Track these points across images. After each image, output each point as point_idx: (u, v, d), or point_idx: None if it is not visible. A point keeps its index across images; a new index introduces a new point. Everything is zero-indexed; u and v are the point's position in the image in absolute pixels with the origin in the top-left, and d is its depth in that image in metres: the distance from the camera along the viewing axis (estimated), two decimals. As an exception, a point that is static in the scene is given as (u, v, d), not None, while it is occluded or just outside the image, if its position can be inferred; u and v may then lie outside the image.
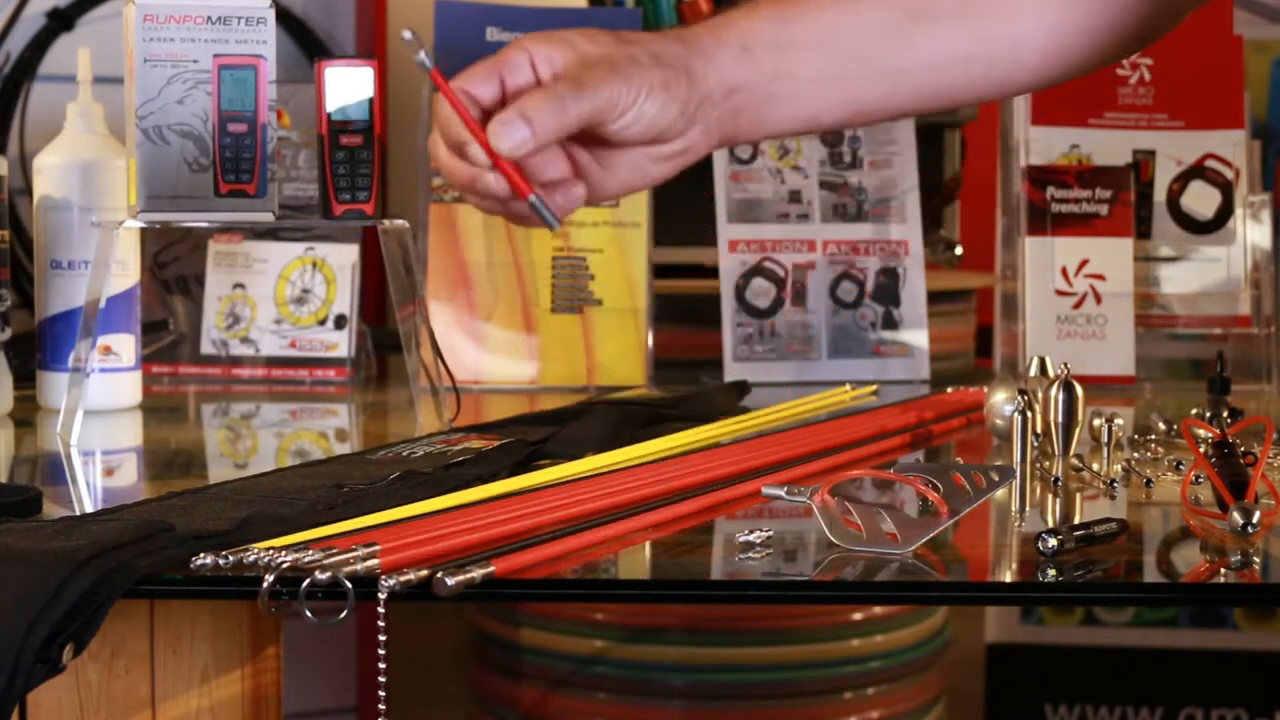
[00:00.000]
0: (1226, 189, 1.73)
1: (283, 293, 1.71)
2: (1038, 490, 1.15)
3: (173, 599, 0.97)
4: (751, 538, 0.95)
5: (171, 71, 1.34)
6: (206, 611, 1.01)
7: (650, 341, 1.67)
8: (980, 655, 2.16)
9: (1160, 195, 1.73)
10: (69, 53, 1.71)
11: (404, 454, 1.17)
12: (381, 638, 0.84)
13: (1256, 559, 0.94)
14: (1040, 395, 1.25)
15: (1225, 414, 1.40)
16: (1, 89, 1.83)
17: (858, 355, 1.71)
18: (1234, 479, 0.98)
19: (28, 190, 1.68)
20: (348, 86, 1.36)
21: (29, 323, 1.54)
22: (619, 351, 1.67)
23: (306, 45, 1.95)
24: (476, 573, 0.84)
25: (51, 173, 1.47)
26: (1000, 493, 1.07)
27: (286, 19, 1.93)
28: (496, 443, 1.19)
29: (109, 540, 0.85)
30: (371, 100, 1.36)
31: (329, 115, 1.36)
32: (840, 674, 1.81)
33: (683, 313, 1.75)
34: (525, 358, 1.66)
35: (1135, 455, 1.25)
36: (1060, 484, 1.15)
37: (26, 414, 1.45)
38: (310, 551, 0.86)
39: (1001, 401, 1.26)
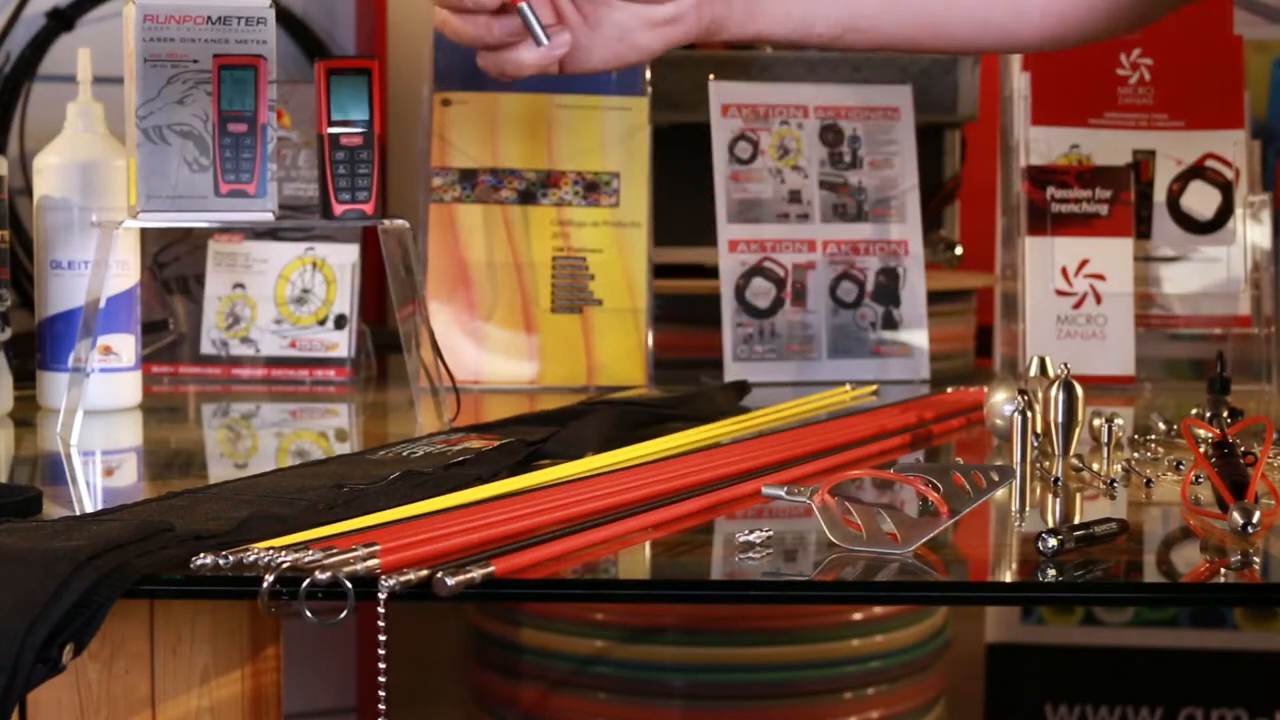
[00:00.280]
0: (1226, 189, 1.73)
1: (283, 293, 1.71)
2: (1038, 490, 1.15)
3: (173, 599, 0.97)
4: (751, 538, 0.95)
5: (171, 71, 1.34)
6: (206, 611, 1.01)
7: (650, 341, 1.67)
8: (980, 655, 2.16)
9: (1160, 195, 1.73)
10: (69, 53, 1.71)
11: (404, 454, 1.17)
12: (381, 638, 0.84)
13: (1256, 559, 0.94)
14: (1040, 395, 1.25)
15: (1225, 414, 1.40)
16: (1, 89, 1.83)
17: (858, 355, 1.71)
18: (1234, 479, 0.98)
19: (28, 190, 1.68)
20: (348, 86, 1.36)
21: (29, 323, 1.54)
22: (619, 351, 1.67)
23: (306, 45, 1.95)
24: (476, 573, 0.84)
25: (51, 173, 1.47)
26: (1000, 493, 1.07)
27: (286, 19, 1.93)
28: (496, 443, 1.19)
29: (109, 540, 0.85)
30: (371, 100, 1.36)
31: (329, 115, 1.36)
32: (840, 674, 1.81)
33: (683, 313, 1.75)
34: (525, 358, 1.66)
35: (1135, 455, 1.25)
36: (1060, 484, 1.15)
37: (26, 414, 1.45)
38: (310, 551, 0.86)
39: (1001, 401, 1.26)
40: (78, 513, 1.02)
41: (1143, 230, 1.73)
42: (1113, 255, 1.68)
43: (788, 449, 1.21)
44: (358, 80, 1.36)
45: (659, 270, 1.71)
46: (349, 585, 0.83)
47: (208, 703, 1.01)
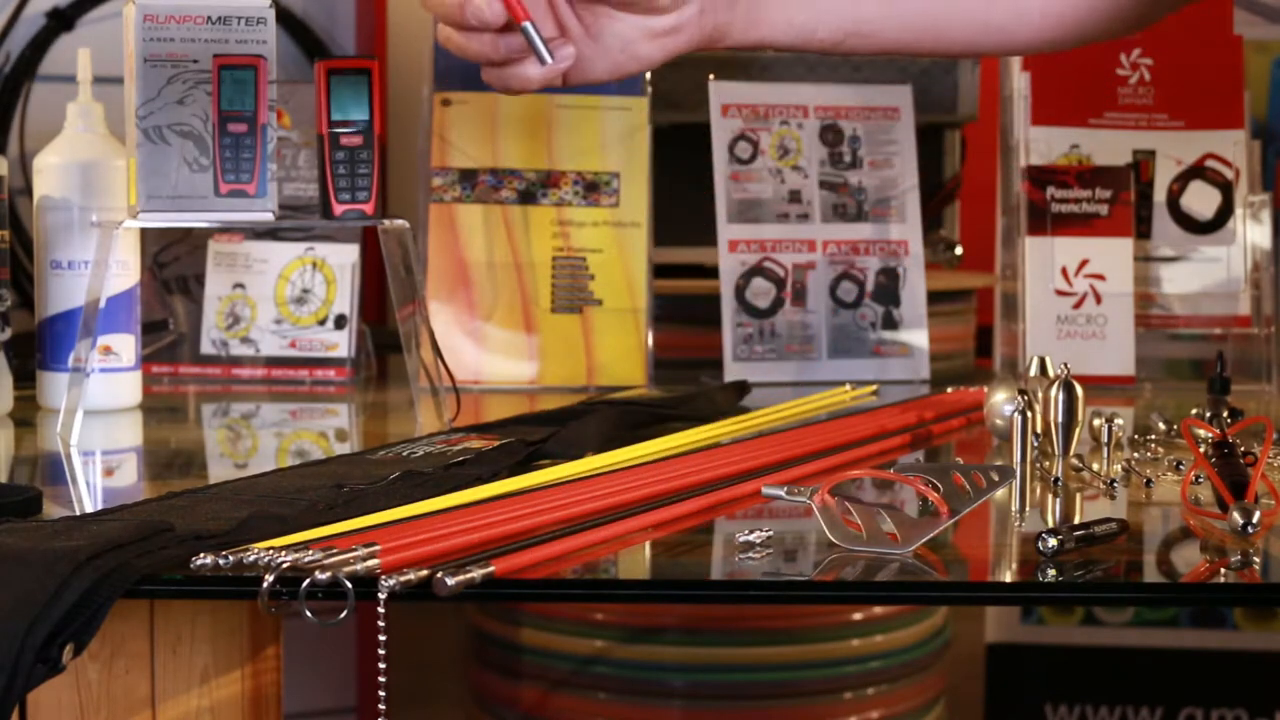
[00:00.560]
0: (1226, 189, 1.73)
1: (283, 293, 1.71)
2: (1038, 490, 1.15)
3: (173, 599, 0.97)
4: (751, 538, 0.95)
5: (171, 71, 1.34)
6: (206, 611, 1.01)
7: (650, 341, 1.67)
8: (980, 655, 2.16)
9: (1160, 195, 1.73)
10: (69, 53, 1.71)
11: (404, 454, 1.17)
12: (381, 638, 0.84)
13: (1256, 559, 0.94)
14: (1040, 395, 1.25)
15: (1225, 414, 1.40)
16: (1, 89, 1.83)
17: (858, 355, 1.71)
18: (1234, 479, 0.98)
19: (28, 190, 1.68)
20: (348, 86, 1.36)
21: (29, 323, 1.54)
22: (619, 351, 1.67)
23: (306, 45, 1.95)
24: (476, 573, 0.84)
25: (51, 173, 1.47)
26: (1000, 493, 1.07)
27: (286, 19, 1.93)
28: (496, 443, 1.19)
29: (109, 540, 0.85)
30: (371, 100, 1.36)
31: (329, 115, 1.36)
32: (840, 674, 1.81)
33: (683, 313, 1.75)
34: (525, 358, 1.66)
35: (1135, 455, 1.25)
36: (1060, 484, 1.15)
37: (26, 414, 1.45)
38: (310, 551, 0.86)
39: (1001, 401, 1.26)
40: (78, 513, 1.02)
41: (1143, 230, 1.73)
42: (1113, 255, 1.68)
43: (788, 449, 1.21)
44: (358, 80, 1.36)
45: (659, 270, 1.71)
46: (349, 585, 0.83)
47: (208, 703, 1.01)
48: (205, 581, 0.86)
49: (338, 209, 1.36)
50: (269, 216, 1.36)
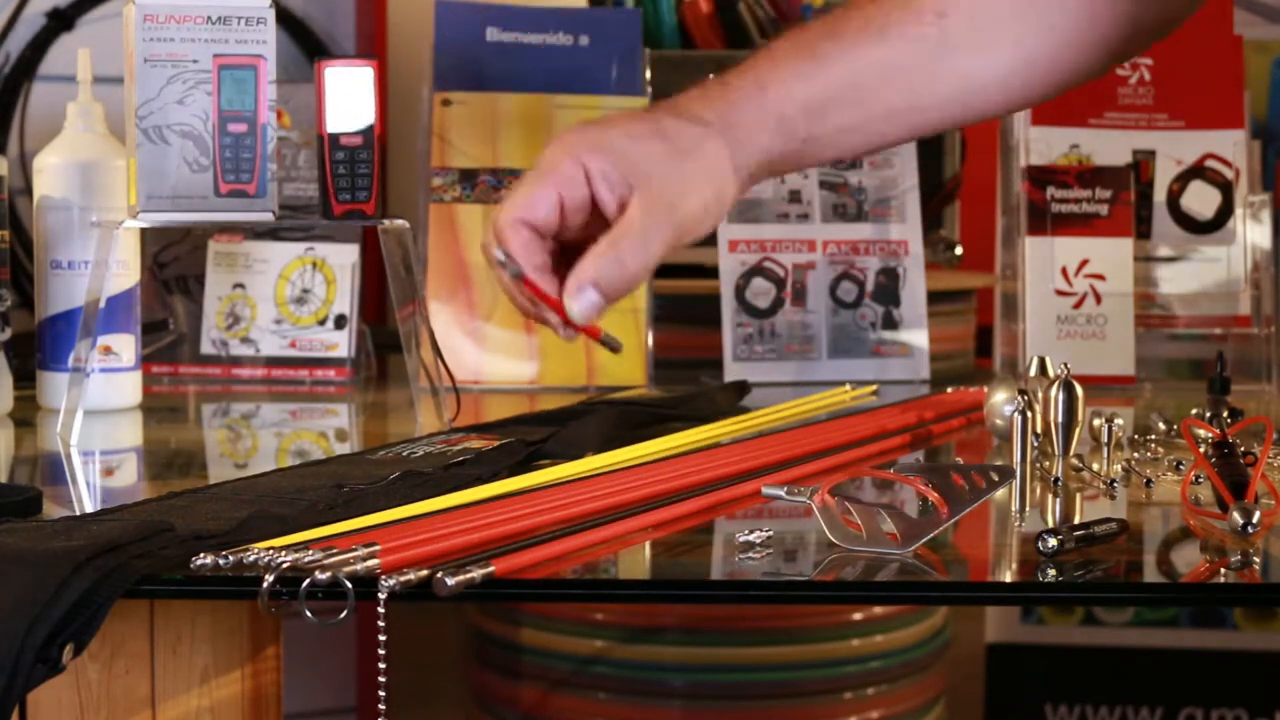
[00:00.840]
0: (1226, 189, 1.73)
1: (283, 293, 1.71)
2: (1038, 490, 1.15)
3: (173, 599, 0.97)
4: (751, 538, 0.95)
5: (171, 71, 1.34)
6: (206, 611, 1.01)
7: (650, 341, 1.67)
8: (980, 655, 2.16)
9: (1160, 195, 1.73)
10: (69, 53, 1.71)
11: (404, 454, 1.17)
12: (381, 638, 0.84)
13: (1256, 559, 0.94)
14: (1040, 395, 1.25)
15: (1225, 414, 1.40)
16: (1, 89, 1.83)
17: (858, 355, 1.71)
18: (1234, 479, 0.98)
19: (28, 190, 1.68)
20: (348, 86, 1.36)
21: (29, 323, 1.54)
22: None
23: (306, 45, 1.95)
24: (476, 573, 0.84)
25: (51, 173, 1.47)
26: (1000, 493, 1.07)
27: (286, 19, 1.93)
28: (496, 443, 1.19)
29: (109, 540, 0.85)
30: (371, 100, 1.36)
31: (328, 115, 1.36)
32: (840, 674, 1.81)
33: (683, 313, 1.75)
34: (525, 358, 1.66)
35: (1135, 455, 1.25)
36: (1060, 484, 1.15)
37: (26, 414, 1.45)
38: (310, 551, 0.86)
39: (1001, 401, 1.26)
40: (78, 513, 1.02)
41: (1143, 230, 1.73)
42: (1113, 255, 1.68)
43: (788, 449, 1.21)
44: (358, 80, 1.36)
45: (659, 270, 1.70)
46: (349, 585, 0.83)
47: (208, 703, 1.01)
48: (205, 581, 0.86)
49: (338, 209, 1.36)
50: (269, 216, 1.36)
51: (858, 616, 1.81)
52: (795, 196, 1.73)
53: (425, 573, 0.83)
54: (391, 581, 0.83)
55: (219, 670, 1.02)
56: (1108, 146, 1.73)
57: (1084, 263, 1.68)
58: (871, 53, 0.94)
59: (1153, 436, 1.32)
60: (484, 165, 1.68)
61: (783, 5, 1.96)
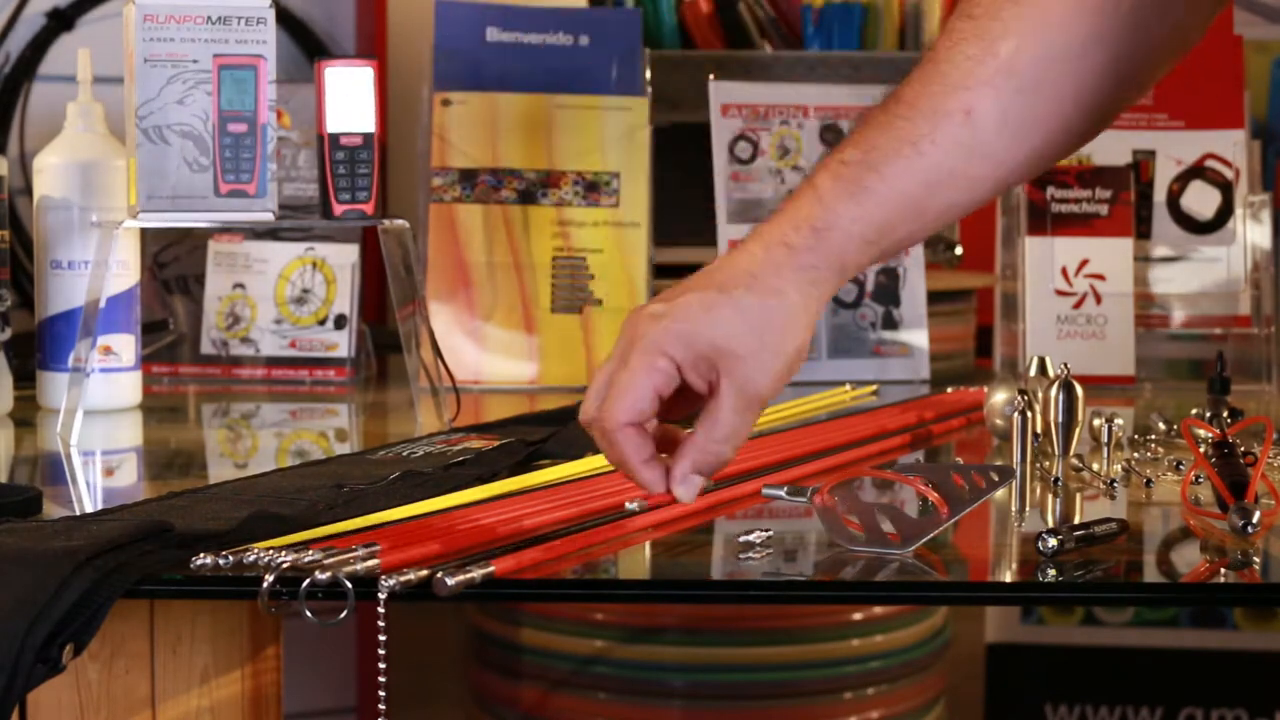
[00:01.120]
0: (1226, 189, 1.73)
1: (283, 293, 1.71)
2: (1038, 490, 1.15)
3: (173, 599, 0.97)
4: (751, 538, 0.95)
5: (171, 71, 1.34)
6: (206, 611, 1.01)
7: (650, 341, 1.66)
8: (980, 655, 2.16)
9: (1160, 195, 1.73)
10: (69, 53, 1.71)
11: (404, 454, 1.17)
12: (381, 638, 0.84)
13: (1256, 559, 0.94)
14: (1040, 395, 1.25)
15: (1225, 414, 1.40)
16: (1, 89, 1.83)
17: (858, 355, 1.71)
18: (1234, 479, 0.98)
19: (28, 190, 1.68)
20: (348, 86, 1.36)
21: (29, 323, 1.54)
22: (619, 351, 1.66)
23: (306, 45, 1.95)
24: (476, 573, 0.84)
25: (51, 173, 1.47)
26: (1000, 493, 1.07)
27: (286, 19, 1.93)
28: (496, 443, 1.19)
29: (109, 540, 0.85)
30: (371, 100, 1.36)
31: (328, 115, 1.36)
32: (840, 674, 1.80)
33: (683, 313, 1.75)
34: (525, 358, 1.66)
35: (1135, 455, 1.25)
36: (1060, 484, 1.15)
37: (26, 414, 1.45)
38: (310, 551, 0.86)
39: (1001, 401, 1.26)
40: (78, 513, 1.02)
41: (1143, 230, 1.73)
42: (1113, 255, 1.68)
43: (788, 449, 1.21)
44: (358, 80, 1.36)
45: (659, 270, 1.71)
46: (349, 585, 0.83)
47: (208, 703, 1.01)
48: (205, 581, 0.86)
49: (338, 209, 1.36)
50: (269, 216, 1.36)
51: (858, 616, 1.81)
52: (795, 196, 1.73)
53: (425, 573, 0.84)
54: (391, 581, 0.83)
55: (219, 670, 1.02)
56: (1108, 146, 1.73)
57: (1084, 263, 1.68)
58: (914, 173, 0.96)
59: (1153, 436, 1.32)
60: (484, 165, 1.68)
61: (782, 5, 1.96)
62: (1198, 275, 1.73)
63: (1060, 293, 1.68)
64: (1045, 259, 1.68)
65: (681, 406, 0.95)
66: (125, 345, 1.46)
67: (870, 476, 1.12)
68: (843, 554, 0.94)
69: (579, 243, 1.68)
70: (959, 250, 1.91)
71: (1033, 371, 1.31)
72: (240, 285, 1.71)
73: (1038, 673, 2.15)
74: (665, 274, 1.74)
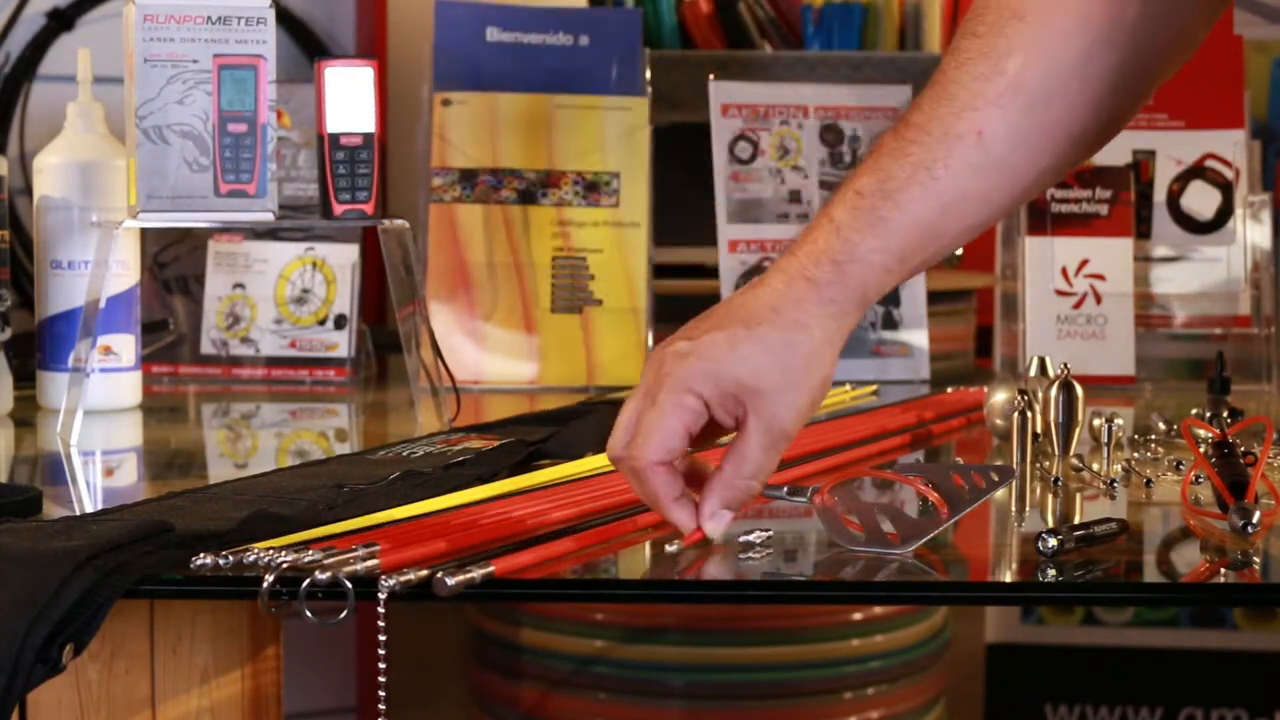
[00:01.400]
0: (1226, 189, 1.73)
1: (283, 293, 1.71)
2: (1038, 490, 1.15)
3: (173, 599, 0.97)
4: (751, 538, 0.95)
5: (171, 71, 1.34)
6: (206, 611, 1.01)
7: (650, 341, 1.67)
8: (980, 655, 2.16)
9: (1160, 195, 1.73)
10: (69, 53, 1.71)
11: (404, 454, 1.17)
12: (381, 638, 0.84)
13: (1256, 559, 0.94)
14: (1040, 395, 1.25)
15: (1225, 414, 1.40)
16: (1, 89, 1.83)
17: (858, 355, 1.71)
18: (1234, 479, 0.98)
19: (28, 190, 1.68)
20: (348, 86, 1.36)
21: (29, 323, 1.54)
22: (619, 351, 1.67)
23: (306, 45, 1.95)
24: (476, 573, 0.84)
25: (51, 173, 1.47)
26: (1000, 493, 1.07)
27: (286, 19, 1.93)
28: (496, 443, 1.19)
29: (109, 540, 0.85)
30: (371, 100, 1.36)
31: (328, 115, 1.36)
32: (840, 674, 1.80)
33: (683, 313, 1.74)
34: (525, 358, 1.66)
35: (1135, 455, 1.25)
36: (1060, 484, 1.15)
37: (26, 414, 1.45)
38: (310, 551, 0.86)
39: (1001, 401, 1.26)
40: (78, 513, 1.02)
41: (1143, 230, 1.73)
42: (1113, 255, 1.68)
43: (788, 449, 1.20)
44: (358, 80, 1.36)
45: (659, 270, 1.71)
46: (349, 585, 0.83)
47: (208, 703, 1.01)
48: (205, 581, 0.86)
49: (338, 209, 1.36)
50: (269, 216, 1.36)
51: (858, 616, 1.81)
52: (795, 197, 1.73)
53: (425, 573, 0.84)
54: (391, 581, 0.83)
55: (219, 670, 1.02)
56: (1108, 147, 1.72)
57: (1084, 263, 1.68)
58: (929, 199, 0.97)
59: (1153, 436, 1.32)
60: (484, 165, 1.68)
61: (782, 5, 1.96)
62: (1198, 275, 1.73)
63: (1060, 293, 1.68)
64: (1045, 259, 1.68)
65: (708, 438, 0.96)
66: (125, 345, 1.46)
67: (870, 476, 1.12)
68: (843, 554, 0.94)
69: (579, 243, 1.68)
70: (959, 250, 1.91)
71: (1033, 371, 1.31)
72: (240, 285, 1.71)
73: (1038, 673, 2.15)
74: (665, 274, 1.74)
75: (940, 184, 0.97)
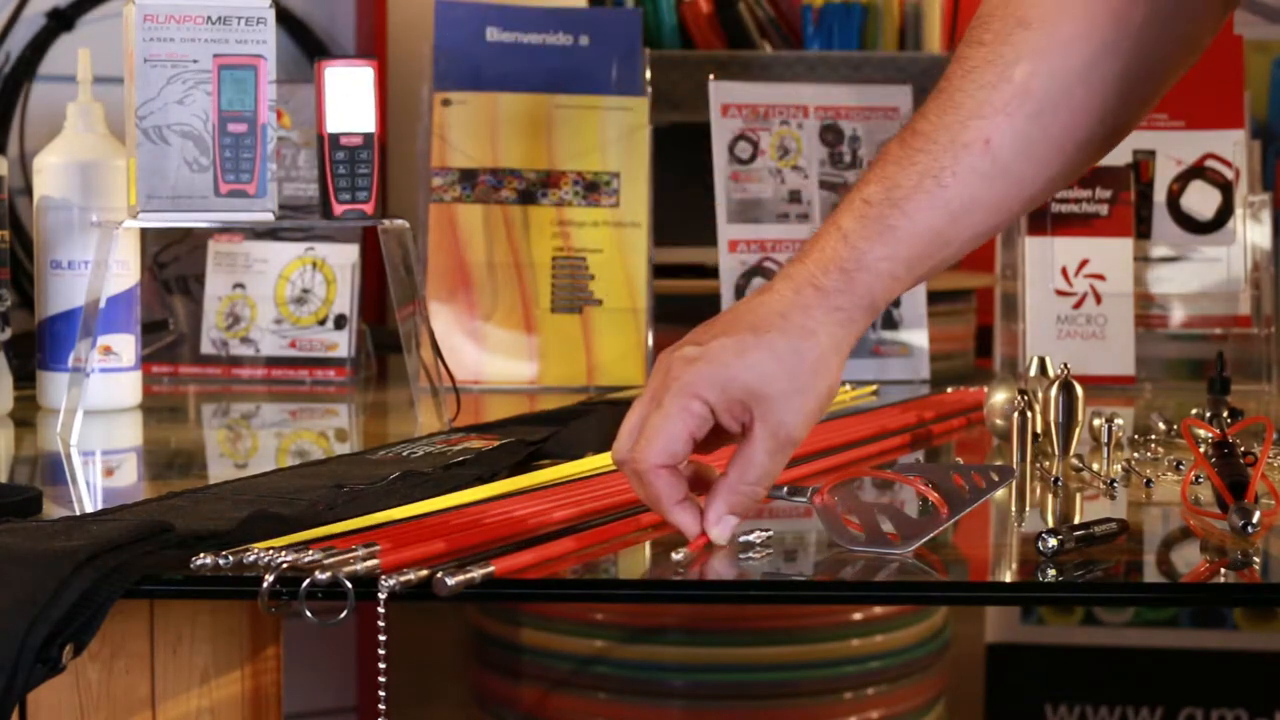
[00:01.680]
0: (1226, 189, 1.73)
1: (283, 293, 1.71)
2: (1038, 490, 1.15)
3: (173, 599, 0.97)
4: (751, 538, 0.95)
5: (171, 71, 1.34)
6: (206, 611, 1.01)
7: (650, 341, 1.67)
8: (980, 655, 2.16)
9: (1160, 195, 1.73)
10: (69, 53, 1.71)
11: (404, 454, 1.17)
12: (381, 638, 0.84)
13: (1256, 559, 0.94)
14: (1040, 395, 1.25)
15: (1225, 414, 1.40)
16: (1, 89, 1.83)
17: (858, 355, 1.71)
18: (1234, 479, 0.98)
19: (28, 190, 1.68)
20: (348, 86, 1.36)
21: (29, 323, 1.54)
22: (619, 351, 1.67)
23: (306, 45, 1.95)
24: (476, 573, 0.84)
25: (51, 173, 1.47)
26: (1000, 493, 1.07)
27: (286, 19, 1.93)
28: (496, 443, 1.19)
29: (109, 540, 0.85)
30: (371, 100, 1.36)
31: (328, 115, 1.36)
32: (840, 674, 1.81)
33: (683, 313, 1.75)
34: (525, 358, 1.66)
35: (1135, 455, 1.25)
36: (1060, 484, 1.15)
37: (26, 414, 1.45)
38: (310, 551, 0.86)
39: (1001, 401, 1.26)
40: (78, 513, 1.02)
41: (1143, 230, 1.73)
42: (1113, 255, 1.68)
43: (789, 450, 1.20)
44: (358, 80, 1.36)
45: (659, 270, 1.71)
46: (349, 585, 0.83)
47: (208, 703, 1.01)
48: (205, 581, 0.86)
49: (338, 209, 1.36)
50: (269, 216, 1.36)
51: (858, 616, 1.81)
52: (795, 197, 1.73)
53: (425, 573, 0.84)
54: (391, 581, 0.83)
55: (219, 670, 1.02)
56: (1108, 146, 1.72)
57: (1084, 263, 1.68)
58: (937, 207, 0.97)
59: (1153, 436, 1.32)
60: (484, 165, 1.68)
61: (782, 5, 1.96)
62: (1198, 275, 1.73)
63: (1060, 293, 1.68)
64: (1045, 259, 1.68)
65: (714, 444, 0.96)
66: (125, 345, 1.46)
67: (870, 476, 1.12)
68: (843, 554, 0.94)
69: (579, 243, 1.68)
70: (959, 250, 1.91)
71: (1033, 371, 1.31)
72: (240, 285, 1.71)
73: (1038, 673, 2.15)
74: (665, 274, 1.74)
75: (948, 192, 0.97)
